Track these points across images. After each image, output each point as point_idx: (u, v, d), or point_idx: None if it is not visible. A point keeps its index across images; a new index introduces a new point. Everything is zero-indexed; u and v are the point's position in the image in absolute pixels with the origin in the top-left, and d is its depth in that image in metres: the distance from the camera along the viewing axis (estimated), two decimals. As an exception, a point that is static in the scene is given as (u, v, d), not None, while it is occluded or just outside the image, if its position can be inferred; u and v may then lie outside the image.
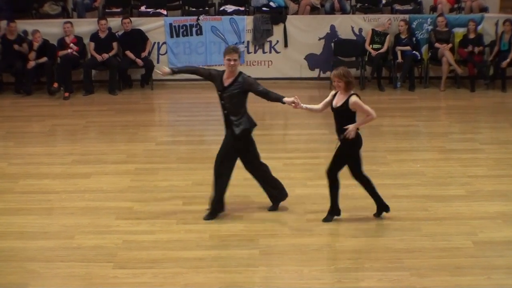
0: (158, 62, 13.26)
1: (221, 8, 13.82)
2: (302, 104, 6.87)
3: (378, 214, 7.14)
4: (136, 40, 12.97)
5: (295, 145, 9.88)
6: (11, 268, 6.22)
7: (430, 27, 13.27)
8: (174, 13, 14.00)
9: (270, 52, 13.56)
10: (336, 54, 13.32)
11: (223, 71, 6.99)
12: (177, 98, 12.70)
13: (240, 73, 6.93)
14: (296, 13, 13.77)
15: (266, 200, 7.57)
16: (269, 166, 7.27)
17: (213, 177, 7.11)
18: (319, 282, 5.95)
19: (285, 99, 6.85)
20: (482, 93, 12.77)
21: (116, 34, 13.04)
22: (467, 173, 8.49)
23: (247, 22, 13.42)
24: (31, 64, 12.51)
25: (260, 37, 13.44)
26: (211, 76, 7.05)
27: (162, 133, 10.65)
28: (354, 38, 13.39)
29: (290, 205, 7.47)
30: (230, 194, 7.37)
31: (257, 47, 13.53)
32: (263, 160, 7.23)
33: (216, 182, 7.08)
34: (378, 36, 13.09)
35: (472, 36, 12.95)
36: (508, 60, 12.64)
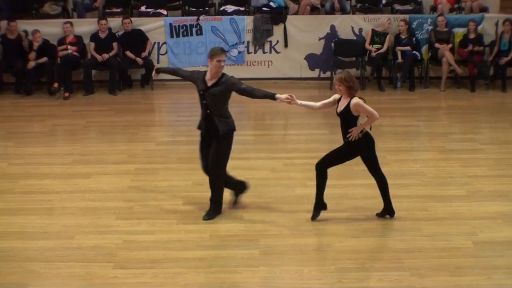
0: (158, 62, 13.27)
1: (221, 8, 13.82)
2: (297, 100, 6.85)
3: (381, 215, 7.12)
4: (136, 40, 12.96)
5: (295, 145, 9.88)
6: (11, 268, 6.22)
7: (430, 27, 13.27)
8: (174, 13, 14.01)
9: (270, 52, 13.56)
10: (336, 54, 13.32)
11: (205, 72, 7.01)
12: (177, 98, 12.70)
13: (223, 73, 6.94)
14: (296, 13, 13.77)
15: (266, 200, 7.59)
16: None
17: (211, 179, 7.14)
18: (319, 282, 5.95)
19: (278, 96, 6.80)
20: (482, 93, 12.77)
21: (116, 34, 13.05)
22: (467, 173, 8.48)
23: (247, 22, 13.42)
24: (31, 64, 12.51)
25: (260, 37, 13.44)
26: (193, 77, 7.07)
27: (162, 133, 10.65)
28: (354, 38, 13.39)
29: (290, 205, 7.47)
30: (230, 194, 7.38)
31: (257, 47, 13.53)
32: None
33: (215, 183, 7.11)
34: (378, 36, 13.09)
35: (472, 36, 12.94)
36: (508, 58, 12.63)
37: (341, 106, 6.78)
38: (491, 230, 6.87)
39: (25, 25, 13.00)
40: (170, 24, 13.35)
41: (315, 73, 13.58)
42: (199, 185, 7.53)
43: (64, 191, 8.01)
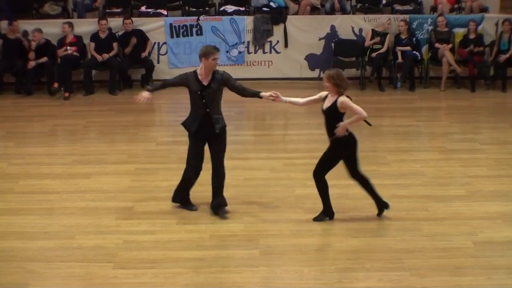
0: (158, 62, 13.28)
1: (221, 8, 13.82)
2: (282, 97, 6.95)
3: (380, 214, 7.13)
4: (137, 40, 12.96)
5: (295, 145, 9.88)
6: (11, 268, 6.21)
7: (430, 27, 13.27)
8: (174, 13, 14.01)
9: (270, 52, 13.56)
10: (336, 54, 13.32)
11: (193, 72, 7.01)
12: (177, 98, 12.63)
13: (215, 70, 6.98)
14: (296, 13, 13.77)
15: (266, 200, 7.60)
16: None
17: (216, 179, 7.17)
18: (319, 282, 5.95)
19: (262, 94, 7.00)
20: (483, 93, 12.77)
21: (116, 34, 13.05)
22: (468, 173, 8.48)
23: (247, 22, 13.42)
24: (32, 64, 12.51)
25: (260, 37, 13.44)
26: (183, 81, 7.05)
27: (163, 133, 10.65)
28: (354, 38, 13.39)
29: (290, 205, 7.47)
30: (230, 194, 7.38)
31: (257, 47, 13.53)
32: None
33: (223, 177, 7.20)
34: (378, 36, 13.08)
35: (472, 36, 12.95)
36: (507, 55, 12.63)
37: (328, 103, 6.80)
38: (491, 230, 6.87)
39: (25, 25, 12.99)
40: (170, 24, 13.35)
41: (315, 73, 13.58)
42: (199, 185, 7.52)
43: (64, 191, 8.01)
